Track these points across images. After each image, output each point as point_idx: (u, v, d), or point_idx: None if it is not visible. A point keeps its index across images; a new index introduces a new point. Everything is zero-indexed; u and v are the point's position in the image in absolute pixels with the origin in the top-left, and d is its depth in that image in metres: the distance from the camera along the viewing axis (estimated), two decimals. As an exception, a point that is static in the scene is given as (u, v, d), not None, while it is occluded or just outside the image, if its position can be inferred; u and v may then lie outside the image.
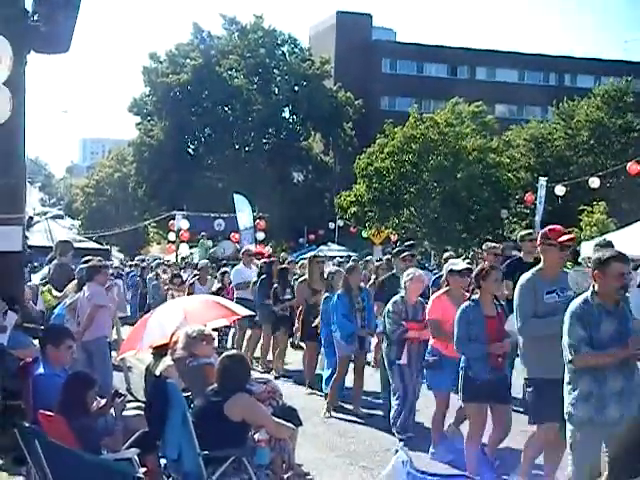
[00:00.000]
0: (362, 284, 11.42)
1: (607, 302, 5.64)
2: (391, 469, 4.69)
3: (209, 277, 16.55)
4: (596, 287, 5.65)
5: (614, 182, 38.83)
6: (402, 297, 9.35)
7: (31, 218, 29.27)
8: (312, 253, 19.99)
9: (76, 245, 16.94)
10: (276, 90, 61.06)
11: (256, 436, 6.84)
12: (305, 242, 51.56)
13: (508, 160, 42.39)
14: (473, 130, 42.45)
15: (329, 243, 45.56)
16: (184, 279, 17.76)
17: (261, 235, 32.80)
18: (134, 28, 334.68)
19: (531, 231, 10.97)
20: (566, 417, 5.72)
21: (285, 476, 7.21)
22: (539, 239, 6.95)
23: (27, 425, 5.85)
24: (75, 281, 11.01)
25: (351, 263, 13.08)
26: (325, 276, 12.37)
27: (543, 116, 56.43)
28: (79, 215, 77.18)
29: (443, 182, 39.94)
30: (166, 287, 18.38)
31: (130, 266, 30.41)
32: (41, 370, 6.90)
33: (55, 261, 12.24)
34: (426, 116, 43.07)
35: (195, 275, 16.96)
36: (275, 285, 13.97)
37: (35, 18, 8.82)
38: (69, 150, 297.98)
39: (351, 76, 62.22)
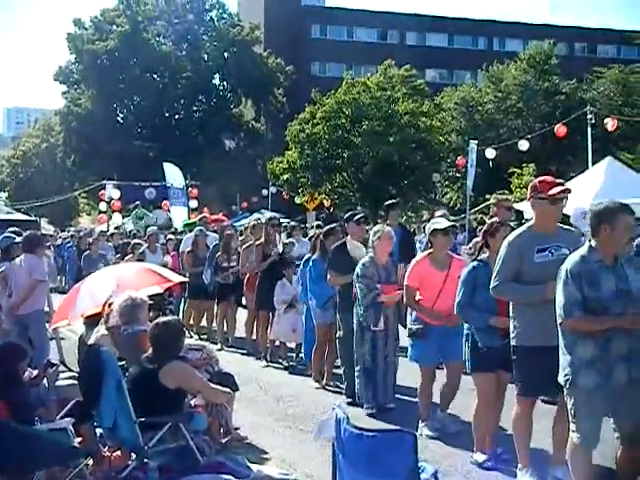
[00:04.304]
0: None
1: (607, 258, 5.22)
2: (324, 421, 4.64)
3: (157, 245, 16.08)
4: (595, 242, 5.24)
5: (542, 144, 39.40)
6: (371, 258, 8.59)
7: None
8: (266, 217, 19.49)
9: (3, 217, 16.57)
10: (205, 57, 60.24)
11: (193, 402, 6.83)
12: (238, 210, 51.29)
13: (439, 124, 42.61)
14: (404, 94, 42.50)
15: (262, 210, 45.36)
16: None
17: (194, 203, 32.55)
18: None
19: (508, 197, 9.93)
20: (566, 385, 5.28)
21: (223, 440, 7.23)
22: (529, 192, 6.19)
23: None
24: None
25: (330, 226, 11.08)
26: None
27: (473, 80, 56.83)
28: (6, 187, 75.39)
29: (376, 147, 39.95)
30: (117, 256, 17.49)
31: (64, 238, 29.68)
32: (-31, 343, 6.75)
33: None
34: (358, 80, 42.99)
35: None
36: (218, 253, 13.56)
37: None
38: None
39: (281, 42, 61.77)
